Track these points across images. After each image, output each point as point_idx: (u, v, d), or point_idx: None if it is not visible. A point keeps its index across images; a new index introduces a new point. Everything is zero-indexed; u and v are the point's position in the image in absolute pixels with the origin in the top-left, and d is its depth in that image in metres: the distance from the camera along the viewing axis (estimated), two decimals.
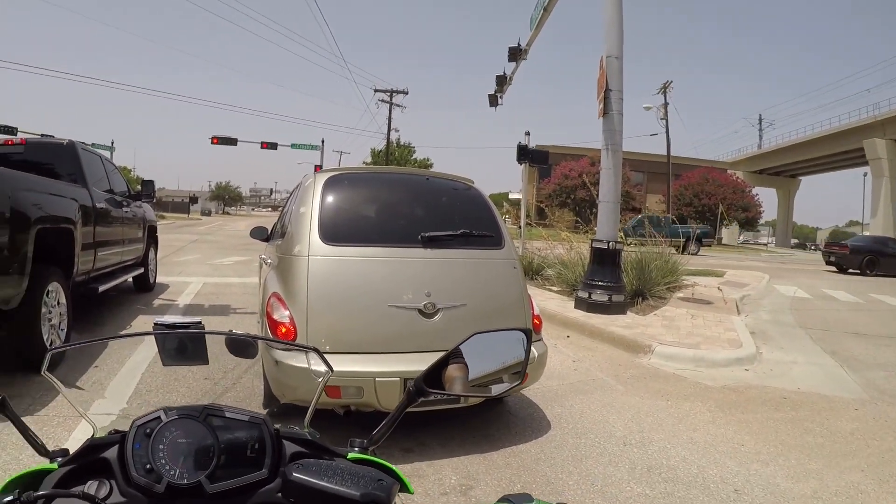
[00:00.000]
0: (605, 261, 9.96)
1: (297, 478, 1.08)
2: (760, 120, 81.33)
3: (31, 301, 5.41)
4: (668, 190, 45.86)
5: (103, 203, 7.86)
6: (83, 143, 8.16)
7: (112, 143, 43.93)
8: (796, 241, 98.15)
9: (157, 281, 11.54)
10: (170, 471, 1.08)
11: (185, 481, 1.07)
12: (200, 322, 1.33)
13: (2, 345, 5.44)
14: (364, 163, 57.77)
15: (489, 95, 20.53)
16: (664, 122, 46.49)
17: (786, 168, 70.98)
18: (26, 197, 5.41)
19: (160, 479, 1.07)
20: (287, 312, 4.14)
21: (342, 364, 3.74)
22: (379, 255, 4.39)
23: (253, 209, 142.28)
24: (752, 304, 12.68)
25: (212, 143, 38.81)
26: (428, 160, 61.49)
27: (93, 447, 1.16)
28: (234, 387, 5.39)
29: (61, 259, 6.34)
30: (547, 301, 10.81)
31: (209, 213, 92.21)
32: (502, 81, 19.89)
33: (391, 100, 54.20)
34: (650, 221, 15.51)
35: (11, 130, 31.79)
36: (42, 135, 11.22)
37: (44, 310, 5.62)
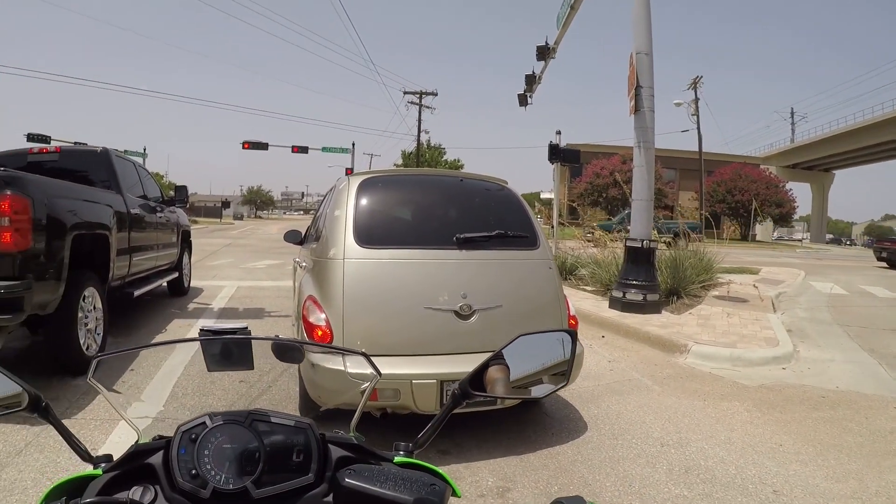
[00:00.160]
0: (639, 260, 9.87)
1: (350, 483, 1.08)
2: (793, 114, 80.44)
3: (68, 306, 5.48)
4: (701, 187, 45.39)
5: (137, 209, 7.96)
6: (116, 150, 8.26)
7: (144, 149, 44.65)
8: (831, 236, 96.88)
9: (191, 285, 11.68)
10: (215, 476, 1.07)
11: (231, 487, 1.07)
12: (247, 327, 1.33)
13: (39, 349, 5.52)
14: (395, 165, 57.89)
15: (518, 95, 20.43)
16: (695, 117, 46.03)
17: (820, 162, 70.08)
18: (62, 204, 5.49)
19: (205, 485, 1.06)
20: (323, 315, 4.15)
21: (379, 367, 3.74)
22: (414, 257, 4.39)
23: (285, 213, 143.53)
24: (788, 301, 12.49)
25: (243, 147, 39.20)
26: (458, 161, 61.40)
27: (137, 453, 1.15)
28: (269, 390, 5.42)
29: (97, 264, 6.43)
30: (581, 301, 10.76)
31: (241, 218, 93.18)
32: (531, 81, 19.79)
33: (420, 101, 54.13)
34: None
35: (45, 139, 32.36)
36: (76, 143, 11.40)
37: (80, 315, 5.68)
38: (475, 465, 4.07)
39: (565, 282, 12.69)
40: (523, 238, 4.80)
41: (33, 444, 4.03)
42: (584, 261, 13.60)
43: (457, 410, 1.38)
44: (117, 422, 4.48)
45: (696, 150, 47.14)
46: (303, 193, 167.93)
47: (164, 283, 9.89)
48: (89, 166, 7.64)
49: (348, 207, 4.54)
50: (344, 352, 4.04)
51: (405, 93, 54.31)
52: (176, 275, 10.33)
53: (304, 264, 5.82)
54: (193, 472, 1.08)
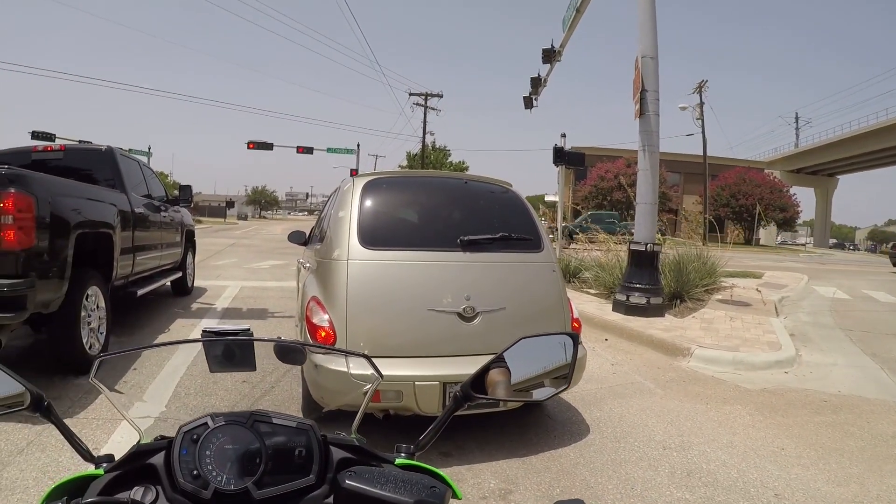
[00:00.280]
0: (642, 263, 9.85)
1: (350, 485, 1.08)
2: (797, 118, 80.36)
3: (71, 305, 5.48)
4: (705, 191, 45.40)
5: (141, 208, 7.96)
6: (121, 148, 8.25)
7: (149, 148, 44.47)
8: (834, 240, 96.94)
9: (194, 285, 11.69)
10: (217, 477, 1.08)
11: (233, 487, 1.07)
12: (249, 329, 1.33)
13: (42, 348, 5.52)
14: (399, 166, 57.84)
15: (524, 98, 20.41)
16: (700, 121, 46.01)
17: (824, 167, 70.02)
18: (66, 202, 5.49)
19: (207, 486, 1.06)
20: (326, 316, 4.15)
21: (382, 368, 3.73)
22: (418, 258, 4.39)
23: (289, 213, 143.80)
24: (790, 305, 12.48)
25: (248, 147, 39.16)
26: (463, 163, 61.41)
27: (139, 453, 1.16)
28: (272, 391, 5.42)
29: (100, 263, 6.43)
30: (585, 304, 10.75)
31: (245, 218, 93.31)
32: (537, 84, 19.77)
33: (426, 103, 54.10)
34: (593, 219, 15.59)
35: (50, 137, 32.39)
36: (80, 141, 11.38)
37: (83, 314, 5.68)
38: (477, 466, 4.06)
39: (569, 284, 12.68)
40: (527, 241, 4.79)
41: (35, 443, 4.03)
42: (588, 264, 13.60)
43: (458, 413, 1.38)
44: (119, 422, 4.47)
45: (701, 153, 47.17)
46: (307, 194, 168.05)
47: (168, 283, 9.90)
48: (94, 165, 7.63)
49: (353, 209, 4.54)
50: (346, 353, 4.04)
51: (410, 94, 54.35)
52: (179, 274, 10.34)
53: (307, 265, 5.82)
54: (195, 472, 1.08)
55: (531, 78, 19.81)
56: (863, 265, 27.14)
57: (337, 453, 1.20)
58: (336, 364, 3.90)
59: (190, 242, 11.37)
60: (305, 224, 13.72)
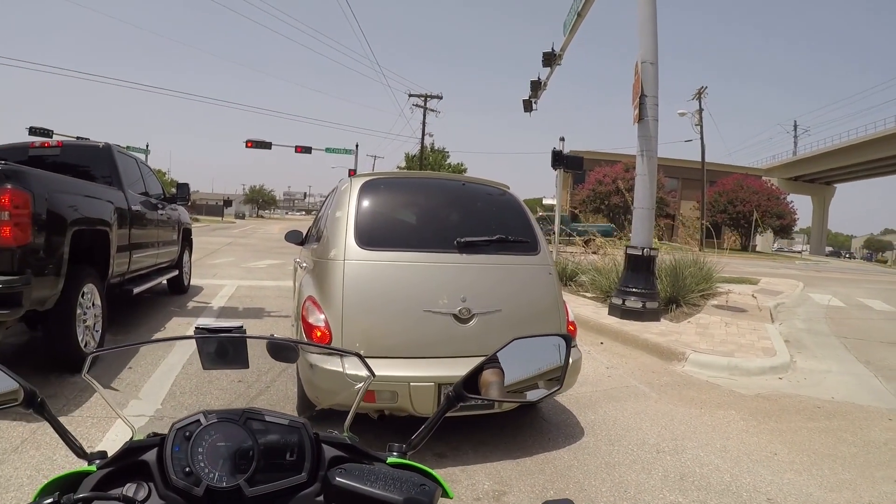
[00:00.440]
0: (639, 267, 9.86)
1: (340, 482, 1.08)
2: (795, 126, 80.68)
3: (67, 302, 5.47)
4: (703, 196, 45.42)
5: (138, 205, 7.94)
6: (119, 145, 8.24)
7: (147, 146, 44.43)
8: (831, 248, 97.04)
9: (191, 283, 11.67)
10: (209, 474, 1.08)
11: (224, 484, 1.07)
12: (242, 326, 1.33)
13: (37, 346, 5.50)
14: (398, 167, 57.85)
15: (524, 101, 20.39)
16: (699, 127, 46.02)
17: (821, 175, 70.21)
18: (62, 199, 5.47)
19: (199, 483, 1.07)
20: (322, 316, 4.16)
21: (377, 368, 3.71)
22: (415, 259, 4.39)
23: (287, 213, 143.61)
24: (786, 312, 12.48)
25: (246, 146, 39.15)
26: (462, 165, 61.40)
27: (132, 450, 1.16)
28: (267, 390, 5.42)
29: (97, 261, 6.42)
30: (581, 307, 10.75)
31: (243, 217, 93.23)
32: (537, 87, 19.77)
33: (425, 105, 54.04)
34: (547, 220, 15.62)
35: (47, 133, 32.33)
36: (78, 137, 11.32)
37: (79, 311, 5.67)
38: (471, 468, 4.06)
39: (565, 288, 12.70)
40: (524, 243, 4.80)
41: (30, 440, 4.02)
42: (585, 267, 13.61)
43: (453, 413, 1.38)
44: (114, 420, 4.47)
45: (699, 160, 47.16)
46: (305, 194, 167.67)
47: (164, 281, 9.88)
48: (91, 161, 7.62)
49: (350, 209, 4.54)
50: (339, 352, 4.03)
51: (410, 95, 54.26)
52: (176, 273, 10.30)
53: (304, 265, 5.82)
54: (187, 469, 1.08)
55: (531, 81, 19.82)
56: (859, 273, 27.15)
57: (329, 451, 1.20)
58: (331, 364, 3.90)
59: (187, 241, 11.34)
60: (303, 224, 13.70)
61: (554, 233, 15.72)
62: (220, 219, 70.76)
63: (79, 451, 1.23)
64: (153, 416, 4.74)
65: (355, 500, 1.06)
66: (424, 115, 54.34)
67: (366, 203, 4.62)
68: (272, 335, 1.48)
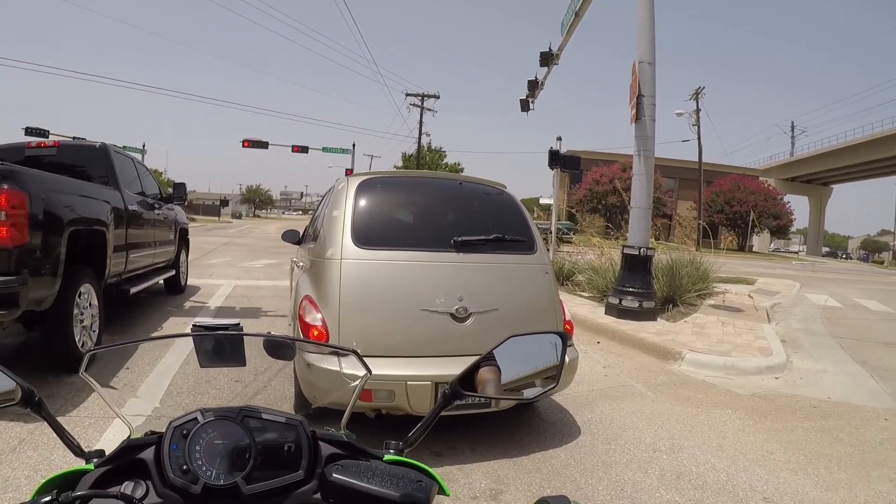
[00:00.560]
0: (636, 267, 9.87)
1: (337, 478, 1.08)
2: (793, 127, 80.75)
3: (64, 302, 5.45)
4: (700, 197, 45.41)
5: (135, 205, 7.93)
6: (115, 145, 8.21)
7: (144, 145, 44.39)
8: (827, 249, 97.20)
9: (188, 283, 11.65)
10: (206, 472, 1.08)
11: (222, 482, 1.08)
12: (239, 324, 1.33)
13: (34, 346, 5.49)
14: (395, 167, 57.78)
15: (521, 100, 20.36)
16: (696, 128, 46.03)
17: (818, 176, 70.32)
18: (59, 199, 5.46)
19: (196, 480, 1.07)
20: (319, 315, 4.16)
21: (374, 367, 3.72)
22: (411, 258, 4.39)
23: (283, 212, 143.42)
24: (782, 312, 12.51)
25: (243, 146, 38.96)
26: (459, 164, 61.38)
27: (129, 448, 1.16)
28: (265, 389, 5.42)
29: (93, 261, 6.41)
30: (577, 307, 10.76)
31: (240, 216, 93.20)
32: (534, 87, 19.75)
33: (422, 104, 53.97)
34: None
35: (43, 133, 32.25)
36: (74, 137, 11.28)
37: (76, 311, 5.66)
38: (468, 466, 4.07)
39: (562, 287, 12.70)
40: (520, 242, 4.80)
41: (27, 441, 4.02)
42: (581, 267, 13.62)
43: (450, 412, 1.38)
44: (112, 419, 4.47)
45: (696, 160, 47.18)
46: (302, 193, 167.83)
47: (161, 281, 9.85)
48: (87, 161, 7.60)
49: (347, 208, 4.54)
50: (336, 350, 4.03)
51: (407, 95, 54.15)
52: (173, 272, 10.29)
53: (301, 264, 5.82)
54: (185, 467, 1.09)
55: (528, 81, 19.80)
56: (855, 274, 27.18)
57: (326, 449, 1.20)
58: (329, 363, 3.91)
59: (184, 240, 11.33)
60: (300, 223, 13.70)
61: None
62: (216, 218, 70.61)
63: (76, 450, 1.23)
64: (151, 415, 4.74)
65: (352, 496, 1.06)
66: (421, 115, 54.31)
67: (362, 202, 4.62)
68: (269, 332, 1.48)
